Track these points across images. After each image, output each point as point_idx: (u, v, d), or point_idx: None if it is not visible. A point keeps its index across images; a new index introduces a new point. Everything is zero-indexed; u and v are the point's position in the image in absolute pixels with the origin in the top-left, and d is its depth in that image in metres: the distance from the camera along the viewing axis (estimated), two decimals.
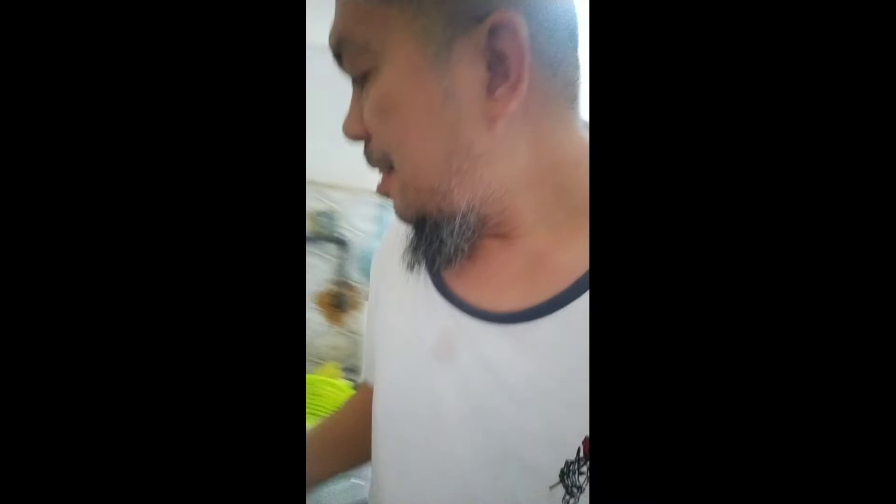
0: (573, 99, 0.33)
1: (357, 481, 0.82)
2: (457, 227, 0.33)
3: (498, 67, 0.29)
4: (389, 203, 0.36)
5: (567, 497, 0.28)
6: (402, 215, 0.35)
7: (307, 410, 1.07)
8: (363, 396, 0.51)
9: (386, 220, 1.45)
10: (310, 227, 1.47)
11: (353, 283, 1.51)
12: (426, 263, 0.36)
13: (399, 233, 0.45)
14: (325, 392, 1.06)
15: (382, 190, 0.36)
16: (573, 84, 0.33)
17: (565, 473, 0.28)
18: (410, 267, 0.38)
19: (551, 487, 0.29)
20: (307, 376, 1.14)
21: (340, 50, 0.32)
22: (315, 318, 1.52)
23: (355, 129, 0.34)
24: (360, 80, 0.32)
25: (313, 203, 1.47)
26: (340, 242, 1.51)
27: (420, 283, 0.39)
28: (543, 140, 0.32)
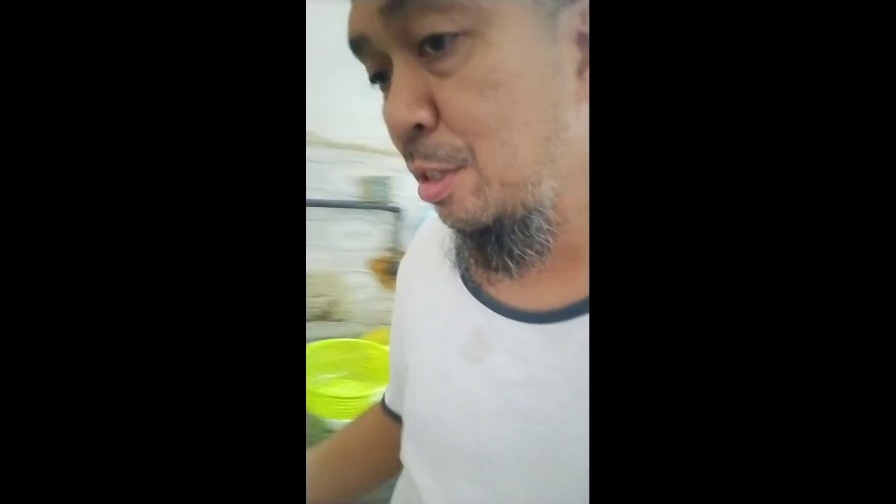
0: None
1: None
2: (542, 222, 0.29)
3: (585, 48, 0.27)
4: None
5: None
6: (475, 219, 0.28)
7: (358, 372, 1.12)
8: (376, 419, 0.51)
9: None
10: (364, 194, 1.49)
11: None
12: (506, 269, 0.31)
13: (426, 240, 0.44)
14: (374, 355, 1.11)
15: (442, 192, 0.28)
16: None
17: None
18: (487, 274, 0.33)
19: None
20: (358, 340, 1.19)
21: (407, 6, 0.25)
22: (370, 284, 1.56)
23: (415, 113, 0.27)
24: (430, 48, 0.26)
25: (367, 170, 1.48)
26: (395, 210, 1.53)
27: (452, 286, 0.38)
28: None
